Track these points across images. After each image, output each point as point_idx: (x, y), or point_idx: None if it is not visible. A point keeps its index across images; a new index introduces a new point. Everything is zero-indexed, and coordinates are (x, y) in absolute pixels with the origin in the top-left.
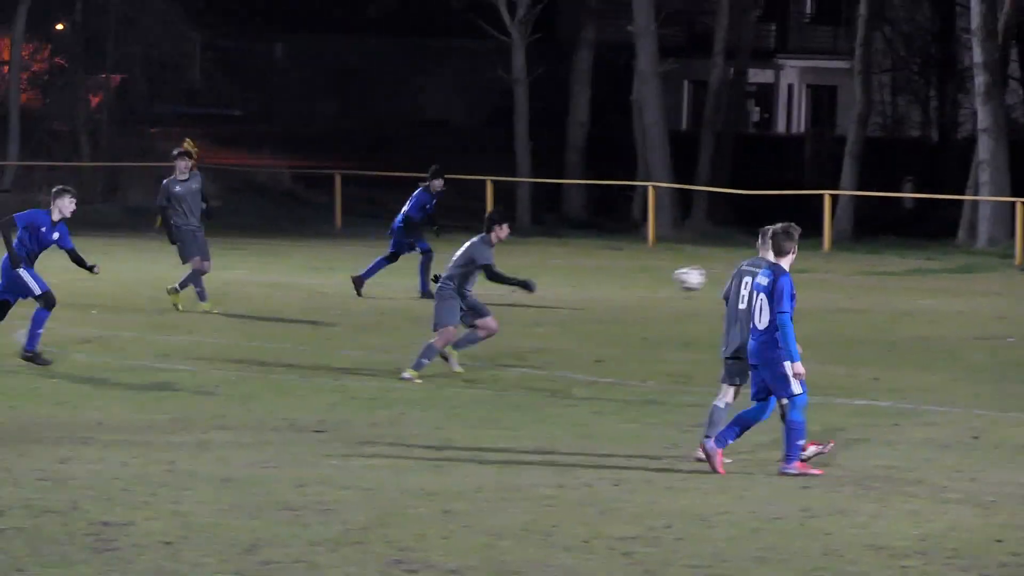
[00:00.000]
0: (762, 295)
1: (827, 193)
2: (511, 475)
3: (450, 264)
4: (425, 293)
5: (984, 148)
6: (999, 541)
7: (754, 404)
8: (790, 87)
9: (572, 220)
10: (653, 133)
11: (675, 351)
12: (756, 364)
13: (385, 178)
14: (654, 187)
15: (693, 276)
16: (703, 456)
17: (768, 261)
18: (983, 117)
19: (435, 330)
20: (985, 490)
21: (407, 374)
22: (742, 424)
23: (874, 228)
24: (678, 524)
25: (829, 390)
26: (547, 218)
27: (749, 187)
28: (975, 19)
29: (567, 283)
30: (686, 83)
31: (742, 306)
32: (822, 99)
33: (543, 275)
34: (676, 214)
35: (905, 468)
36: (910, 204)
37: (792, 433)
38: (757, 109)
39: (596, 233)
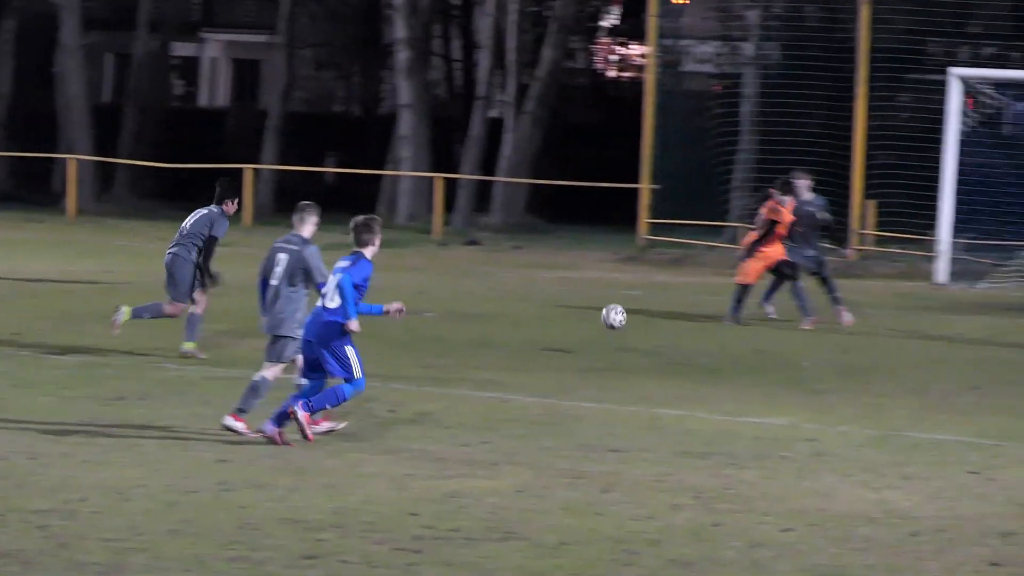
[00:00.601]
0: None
1: (249, 167)
2: None
3: (182, 234)
4: None
5: (405, 124)
6: (413, 514)
7: (307, 383)
8: (214, 60)
9: None
10: (75, 106)
11: (95, 324)
12: (314, 342)
13: None
14: (75, 160)
15: (615, 316)
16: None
17: (301, 237)
18: (405, 93)
19: (186, 300)
20: (400, 463)
21: (186, 348)
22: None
23: (296, 202)
24: (94, 497)
25: (244, 365)
26: None
27: (173, 161)
28: None
29: None
30: (110, 55)
31: (274, 282)
32: (246, 73)
33: None
34: (98, 187)
35: (323, 442)
36: (332, 178)
37: (327, 397)
38: (181, 82)
39: (17, 205)
